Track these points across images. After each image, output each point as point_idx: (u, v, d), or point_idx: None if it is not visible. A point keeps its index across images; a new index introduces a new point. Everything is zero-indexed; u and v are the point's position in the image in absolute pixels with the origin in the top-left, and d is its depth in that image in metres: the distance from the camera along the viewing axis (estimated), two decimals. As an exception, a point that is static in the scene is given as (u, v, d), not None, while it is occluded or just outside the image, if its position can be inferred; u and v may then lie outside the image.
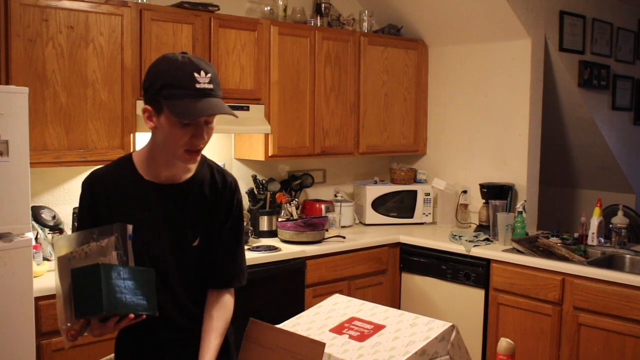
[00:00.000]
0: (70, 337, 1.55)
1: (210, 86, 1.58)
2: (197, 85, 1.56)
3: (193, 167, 1.76)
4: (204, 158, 1.81)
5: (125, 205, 1.71)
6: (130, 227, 1.59)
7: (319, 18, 4.12)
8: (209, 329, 1.75)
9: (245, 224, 1.81)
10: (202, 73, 1.57)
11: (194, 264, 1.77)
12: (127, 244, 1.59)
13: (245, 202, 3.86)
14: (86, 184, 1.76)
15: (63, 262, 1.57)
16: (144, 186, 1.72)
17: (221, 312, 1.79)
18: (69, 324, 1.55)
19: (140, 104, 3.19)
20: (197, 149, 1.64)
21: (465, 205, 4.36)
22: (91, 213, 1.73)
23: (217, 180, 1.79)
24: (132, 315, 1.54)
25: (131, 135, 3.19)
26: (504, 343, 1.77)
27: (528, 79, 4.08)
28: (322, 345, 1.53)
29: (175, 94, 1.56)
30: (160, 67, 1.61)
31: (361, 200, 4.43)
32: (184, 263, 1.75)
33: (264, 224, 3.86)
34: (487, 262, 3.63)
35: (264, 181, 4.00)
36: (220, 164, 1.91)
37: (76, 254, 1.56)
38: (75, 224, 1.77)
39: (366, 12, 4.34)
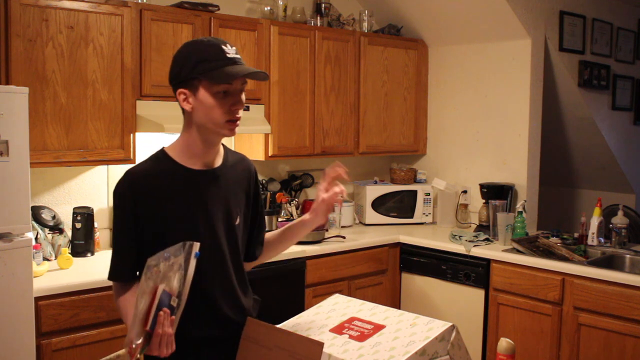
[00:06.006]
0: (131, 356, 1.52)
1: (238, 56, 1.71)
2: (228, 55, 1.68)
3: (222, 152, 1.86)
4: (224, 146, 1.91)
5: (172, 197, 1.73)
6: (197, 245, 1.54)
7: (319, 18, 4.12)
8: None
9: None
10: (229, 46, 1.70)
11: (239, 244, 1.86)
12: (189, 264, 1.54)
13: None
14: (126, 185, 1.73)
15: (146, 280, 1.49)
16: (186, 175, 1.76)
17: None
18: (134, 344, 1.49)
19: (141, 105, 3.21)
20: (238, 117, 1.73)
21: (465, 205, 4.35)
22: (132, 215, 1.71)
23: (243, 163, 1.94)
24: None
25: (131, 135, 3.19)
26: (504, 343, 1.77)
27: (528, 79, 4.08)
28: (321, 344, 1.52)
29: (211, 65, 1.67)
30: (188, 50, 1.74)
31: (361, 200, 4.43)
32: (234, 244, 1.83)
33: (264, 224, 3.86)
34: (487, 262, 3.63)
35: (264, 181, 4.00)
36: None
37: (155, 272, 1.50)
38: (114, 227, 1.73)
39: (366, 12, 4.34)
